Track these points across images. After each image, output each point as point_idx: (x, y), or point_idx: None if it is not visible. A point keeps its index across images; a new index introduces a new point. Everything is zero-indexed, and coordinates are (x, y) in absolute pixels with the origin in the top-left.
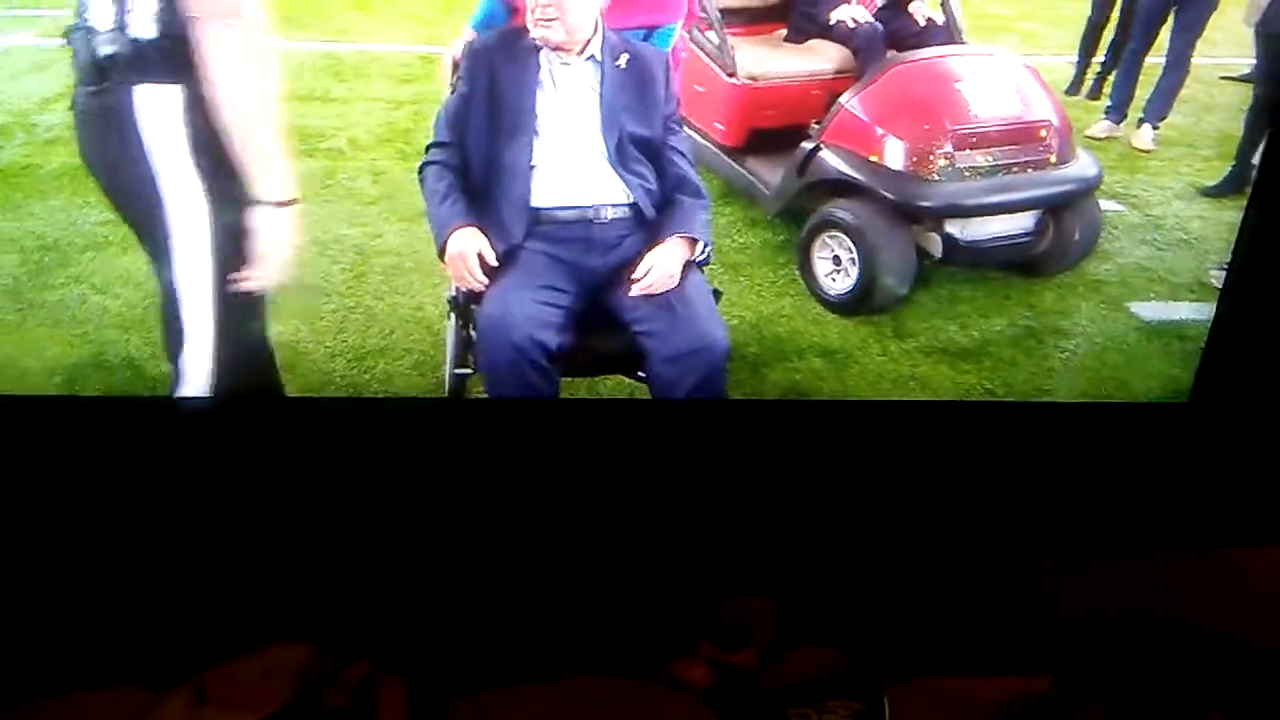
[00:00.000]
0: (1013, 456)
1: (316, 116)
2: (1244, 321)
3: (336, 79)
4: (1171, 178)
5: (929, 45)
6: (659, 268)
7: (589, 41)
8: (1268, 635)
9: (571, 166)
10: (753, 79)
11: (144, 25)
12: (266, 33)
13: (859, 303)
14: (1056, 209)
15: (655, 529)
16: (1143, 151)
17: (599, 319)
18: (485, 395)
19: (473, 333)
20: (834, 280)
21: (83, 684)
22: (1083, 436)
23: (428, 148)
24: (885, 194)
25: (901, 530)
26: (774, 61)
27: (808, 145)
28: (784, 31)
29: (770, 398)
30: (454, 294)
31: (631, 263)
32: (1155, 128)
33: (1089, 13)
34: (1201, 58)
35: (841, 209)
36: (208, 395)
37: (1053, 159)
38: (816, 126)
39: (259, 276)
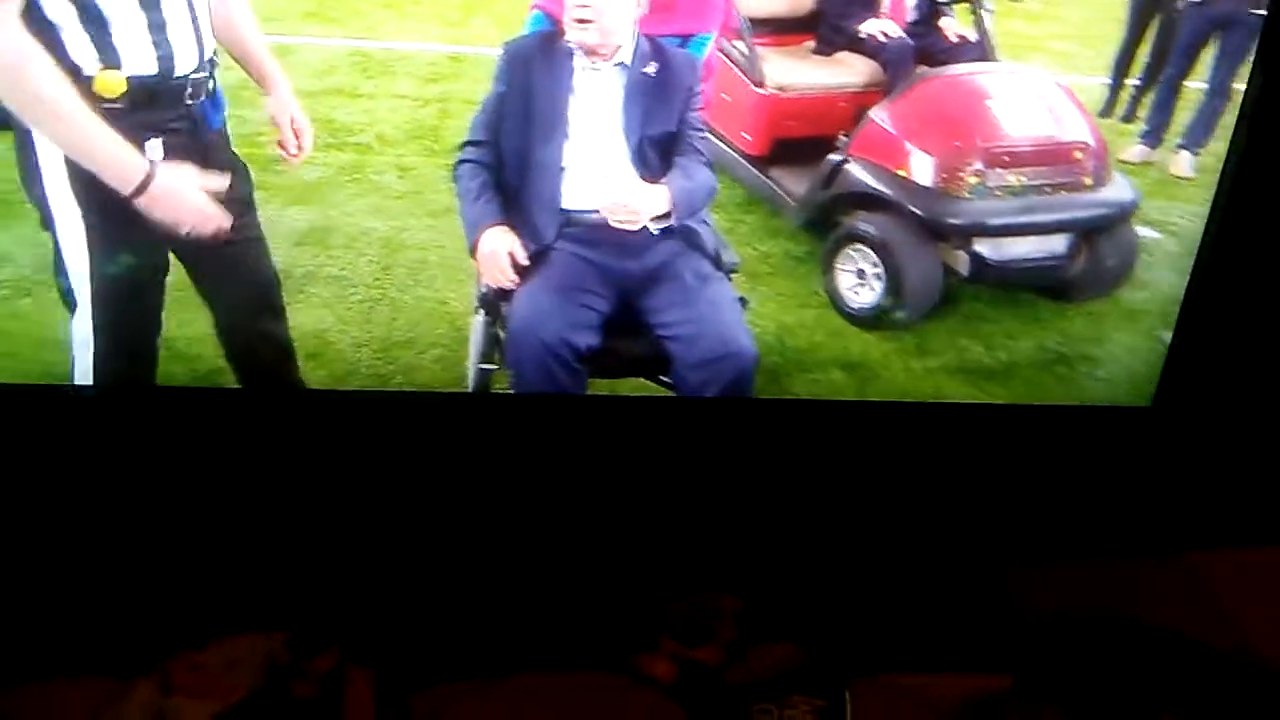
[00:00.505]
0: (980, 457)
1: (345, 111)
2: (1207, 326)
3: (364, 75)
4: None
5: (960, 62)
6: (626, 198)
7: (620, 48)
8: (1226, 638)
9: (599, 169)
10: (780, 89)
11: None
12: None
13: (882, 317)
14: (1090, 233)
15: (618, 525)
16: (1182, 179)
17: (627, 322)
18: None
19: (500, 330)
20: (857, 293)
21: (49, 673)
22: (1049, 439)
23: (463, 145)
24: (912, 209)
25: (867, 528)
26: (802, 73)
27: (835, 157)
28: (812, 43)
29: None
30: (484, 290)
31: (663, 268)
32: (1195, 154)
33: (1122, 33)
34: (1243, 83)
35: (866, 222)
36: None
37: (1088, 181)
38: (844, 139)
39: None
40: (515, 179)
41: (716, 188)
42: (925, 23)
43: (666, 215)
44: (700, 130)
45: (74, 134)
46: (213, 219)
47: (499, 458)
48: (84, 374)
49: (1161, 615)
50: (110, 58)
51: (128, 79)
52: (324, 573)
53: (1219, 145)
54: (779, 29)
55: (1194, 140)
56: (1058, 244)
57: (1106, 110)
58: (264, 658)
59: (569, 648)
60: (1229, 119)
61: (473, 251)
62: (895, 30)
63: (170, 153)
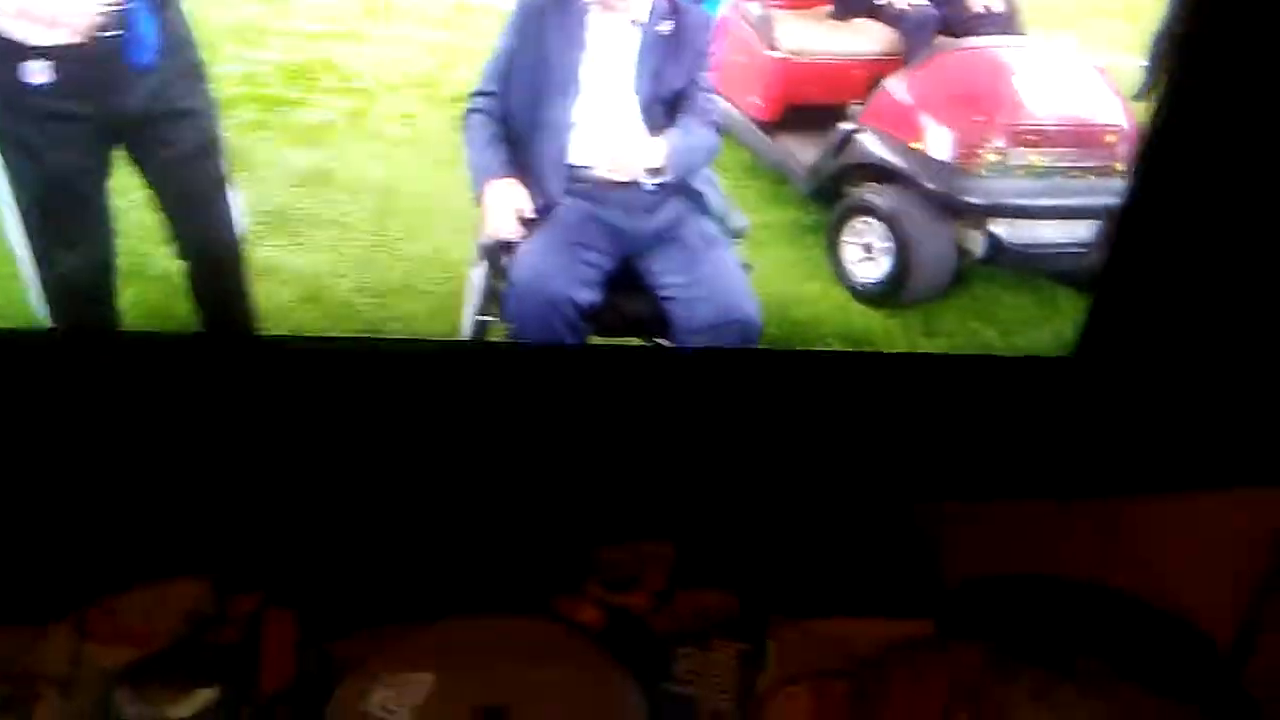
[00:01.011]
0: (904, 405)
1: (347, 55)
2: (1127, 276)
3: (371, 19)
4: None
5: (985, 34)
6: (621, 148)
7: (636, 3)
8: (1142, 583)
9: (609, 127)
10: (794, 53)
11: None
12: None
13: (888, 294)
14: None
15: (545, 470)
16: None
17: (630, 282)
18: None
19: (500, 283)
20: (863, 267)
21: None
22: (972, 387)
23: (473, 94)
24: (926, 184)
25: (797, 475)
26: (817, 37)
27: (846, 126)
28: (829, 7)
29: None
30: (487, 242)
31: (669, 229)
32: None
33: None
34: None
35: (876, 194)
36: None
37: (1119, 166)
38: (858, 107)
39: None
40: (524, 132)
41: (717, 148)
42: None
43: (661, 170)
44: (707, 91)
45: None
46: None
47: (422, 401)
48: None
49: (1079, 559)
50: None
51: None
52: (250, 516)
53: None
54: None
55: None
56: (1083, 230)
57: (1144, 93)
58: (189, 604)
59: (495, 593)
60: None
61: (478, 201)
62: None
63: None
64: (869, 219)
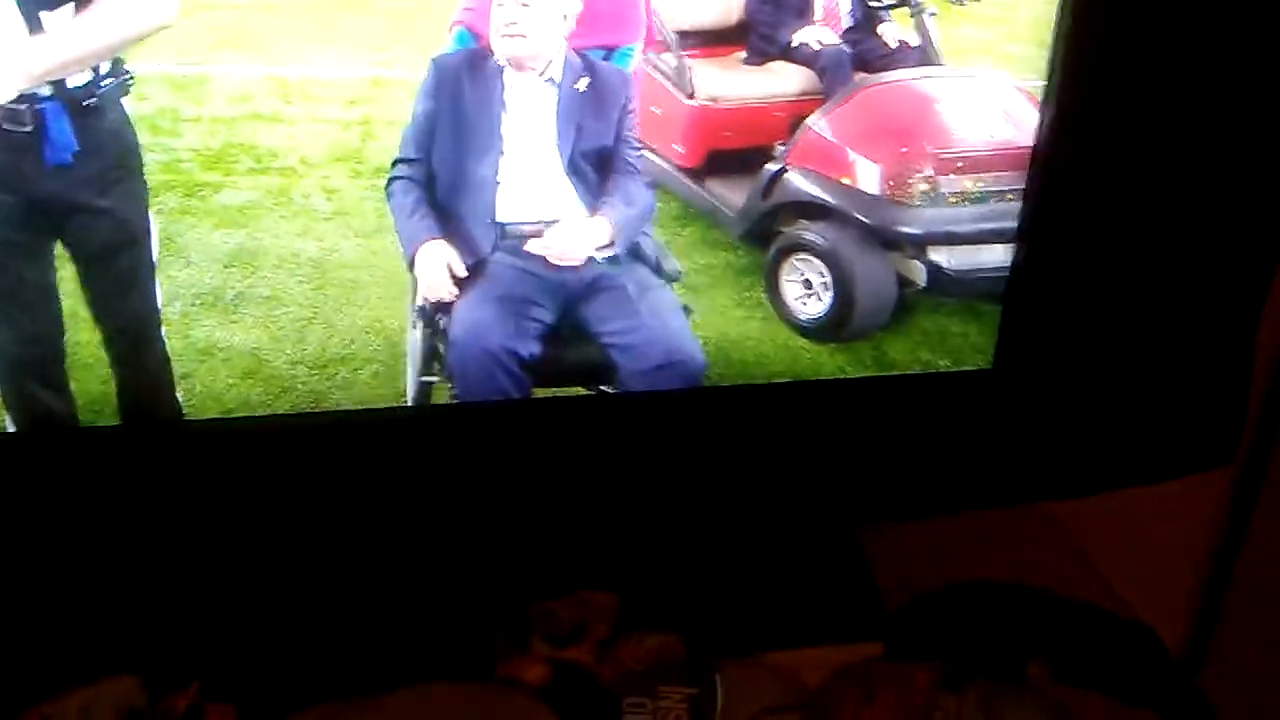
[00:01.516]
0: (831, 429)
1: (267, 135)
2: (1038, 285)
3: (284, 101)
4: None
5: (902, 68)
6: (560, 238)
7: (550, 63)
8: (1086, 585)
9: (534, 182)
10: (712, 100)
11: None
12: None
13: (833, 329)
14: None
15: (477, 529)
16: None
17: (571, 332)
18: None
19: (440, 342)
20: (804, 304)
21: None
22: (895, 406)
23: (394, 163)
24: (860, 217)
25: (729, 509)
26: (734, 83)
27: (772, 167)
28: (743, 54)
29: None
30: (422, 304)
31: (603, 278)
32: None
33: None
34: None
35: (811, 231)
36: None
37: None
38: (781, 148)
39: None
40: (448, 194)
41: (654, 205)
42: (861, 29)
43: (610, 244)
44: (636, 147)
45: None
46: None
47: (352, 472)
48: None
49: (1021, 566)
50: None
51: None
52: (176, 606)
53: None
54: (708, 40)
55: None
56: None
57: None
58: (120, 702)
59: (437, 659)
60: None
61: (411, 266)
62: (830, 38)
63: None
64: (806, 256)
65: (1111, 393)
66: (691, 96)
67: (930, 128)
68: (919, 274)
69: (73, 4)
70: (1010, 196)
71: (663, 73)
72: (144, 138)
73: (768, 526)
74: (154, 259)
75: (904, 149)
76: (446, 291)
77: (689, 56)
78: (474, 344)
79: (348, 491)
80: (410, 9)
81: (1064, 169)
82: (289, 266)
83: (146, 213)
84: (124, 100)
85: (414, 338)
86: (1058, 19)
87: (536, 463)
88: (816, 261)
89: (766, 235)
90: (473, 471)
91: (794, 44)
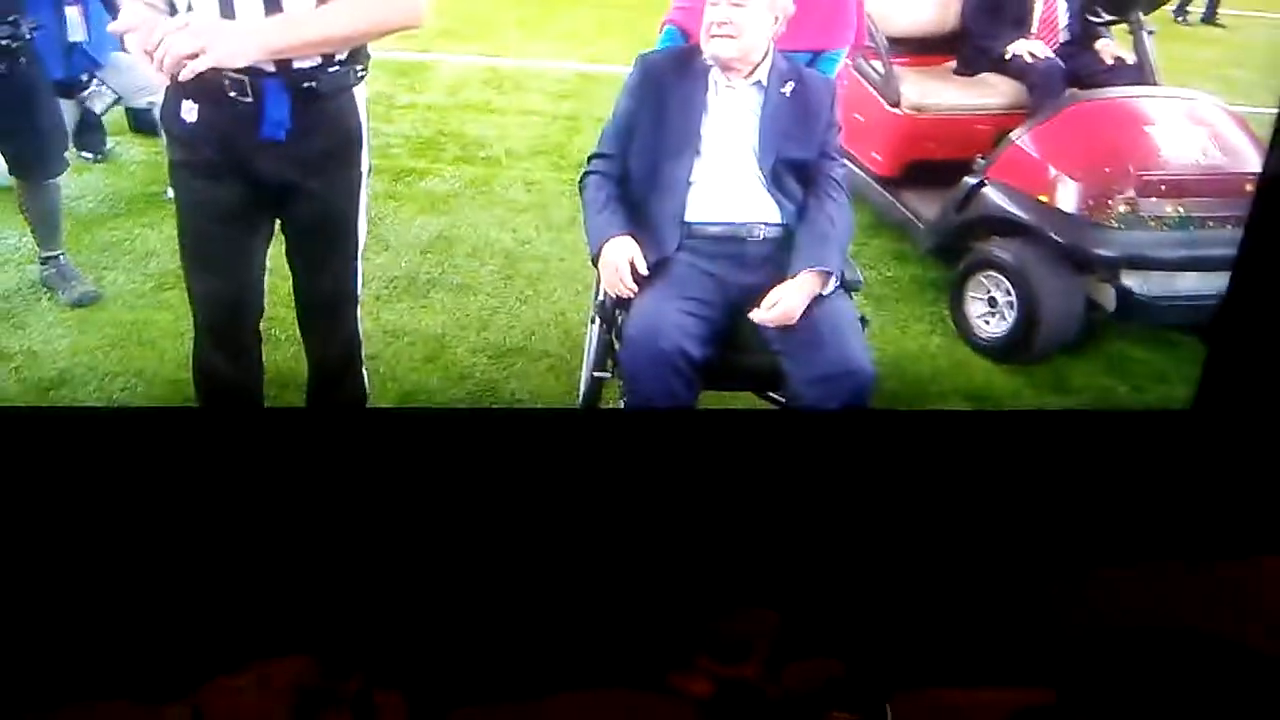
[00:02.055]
0: (1018, 465)
1: (476, 126)
2: (1245, 328)
3: (497, 91)
4: None
5: (1116, 85)
6: (784, 303)
7: (758, 65)
8: (1268, 644)
9: (728, 184)
10: (917, 110)
11: None
12: None
13: (1014, 349)
14: None
15: (653, 541)
16: None
17: (742, 336)
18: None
19: (615, 339)
20: (987, 323)
21: (76, 698)
22: (1088, 444)
23: (590, 158)
24: (1054, 237)
25: (905, 539)
26: (941, 93)
27: (971, 180)
28: (953, 63)
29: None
30: (602, 299)
31: (779, 281)
32: None
33: None
34: None
35: (1002, 248)
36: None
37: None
38: (982, 162)
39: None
40: (641, 191)
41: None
42: (1078, 43)
43: (834, 284)
44: (839, 160)
45: None
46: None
47: (526, 474)
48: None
49: (1201, 623)
50: None
51: None
52: (352, 593)
53: None
54: (918, 48)
55: None
56: (1220, 282)
57: None
58: (294, 682)
59: (605, 666)
60: None
61: (595, 260)
62: (1044, 51)
63: None
64: (994, 273)
65: None
66: (896, 105)
67: (1136, 148)
68: (1108, 298)
69: None
70: (1212, 224)
71: (868, 79)
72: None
73: (946, 561)
74: (361, 243)
75: (1107, 168)
76: (627, 288)
77: (898, 64)
78: (648, 342)
79: (525, 492)
80: (625, 2)
81: None
82: (482, 255)
83: (358, 199)
84: (356, 90)
85: (591, 333)
86: None
87: (714, 479)
88: (1004, 280)
89: (955, 250)
90: (650, 483)
91: (1007, 55)
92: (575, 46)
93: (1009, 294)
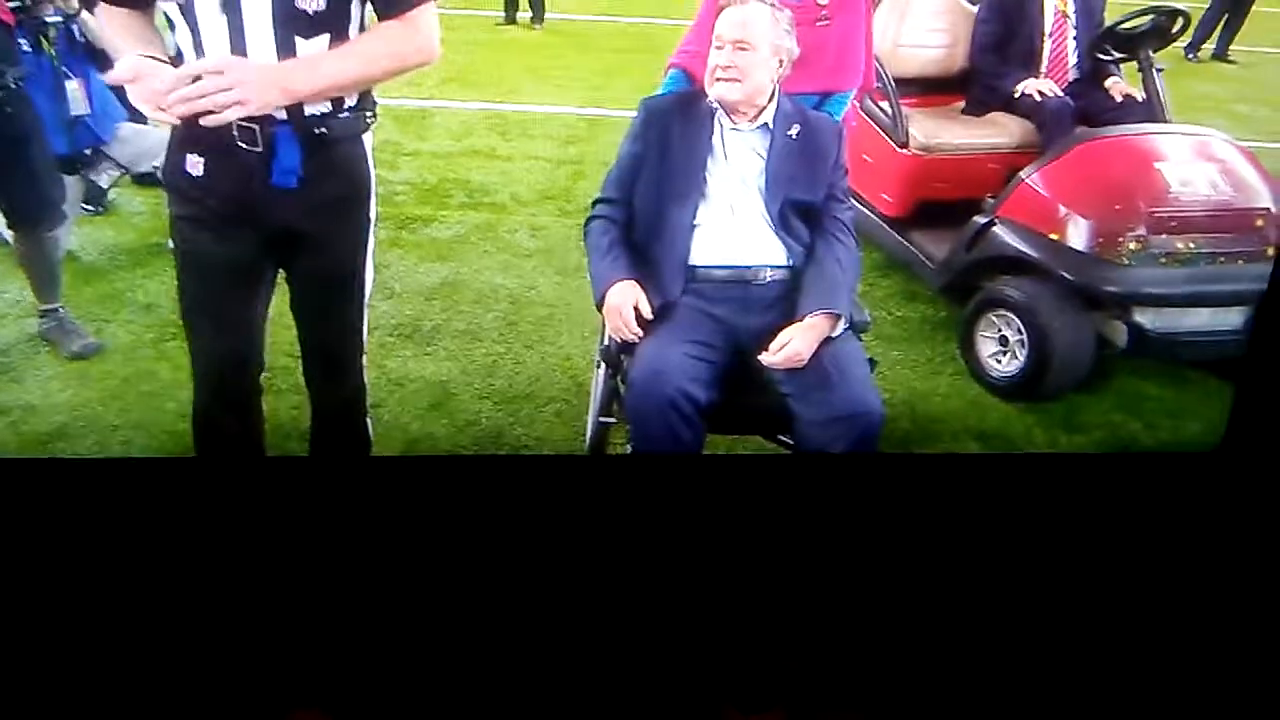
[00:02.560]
0: (1034, 510)
1: (481, 172)
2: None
3: (502, 137)
4: None
5: (1126, 123)
6: (792, 345)
7: (763, 109)
8: None
9: (733, 228)
10: (925, 150)
11: None
12: None
13: (1025, 387)
14: None
15: (664, 588)
16: None
17: (748, 378)
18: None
19: (621, 383)
20: (998, 361)
21: None
22: (1117, 489)
23: (594, 203)
24: (1064, 274)
25: (917, 623)
26: (949, 133)
27: (980, 220)
28: (961, 104)
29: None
30: (607, 344)
31: (785, 324)
32: None
33: None
34: None
35: (1012, 286)
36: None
37: (1270, 251)
38: (991, 201)
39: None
40: (645, 235)
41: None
42: (1087, 81)
43: (843, 326)
44: (845, 202)
45: None
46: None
47: (532, 520)
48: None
49: None
50: None
51: None
52: (365, 648)
53: None
54: (927, 89)
55: None
56: (1233, 317)
57: None
58: None
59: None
60: None
61: (599, 305)
62: (1053, 90)
63: None
64: (1005, 312)
65: None
66: (905, 146)
67: (1146, 185)
68: (1120, 335)
69: (328, 35)
70: (1223, 259)
71: (877, 121)
72: None
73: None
74: (367, 292)
75: (1117, 206)
76: (631, 333)
77: (906, 105)
78: (652, 387)
79: (531, 539)
80: (629, 46)
81: None
82: (487, 301)
83: (366, 247)
84: (364, 137)
85: (596, 378)
86: None
87: (724, 523)
88: (1014, 318)
89: (965, 290)
90: (658, 528)
91: (1016, 94)
92: (581, 92)
93: (1020, 332)
